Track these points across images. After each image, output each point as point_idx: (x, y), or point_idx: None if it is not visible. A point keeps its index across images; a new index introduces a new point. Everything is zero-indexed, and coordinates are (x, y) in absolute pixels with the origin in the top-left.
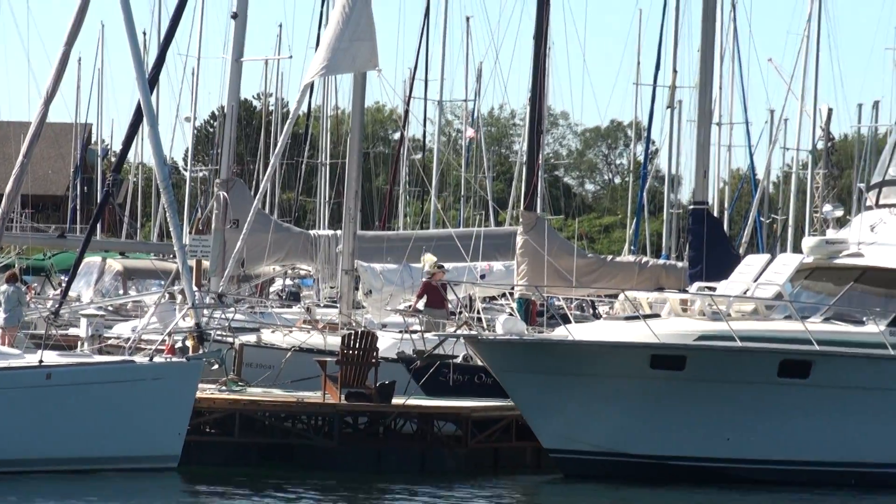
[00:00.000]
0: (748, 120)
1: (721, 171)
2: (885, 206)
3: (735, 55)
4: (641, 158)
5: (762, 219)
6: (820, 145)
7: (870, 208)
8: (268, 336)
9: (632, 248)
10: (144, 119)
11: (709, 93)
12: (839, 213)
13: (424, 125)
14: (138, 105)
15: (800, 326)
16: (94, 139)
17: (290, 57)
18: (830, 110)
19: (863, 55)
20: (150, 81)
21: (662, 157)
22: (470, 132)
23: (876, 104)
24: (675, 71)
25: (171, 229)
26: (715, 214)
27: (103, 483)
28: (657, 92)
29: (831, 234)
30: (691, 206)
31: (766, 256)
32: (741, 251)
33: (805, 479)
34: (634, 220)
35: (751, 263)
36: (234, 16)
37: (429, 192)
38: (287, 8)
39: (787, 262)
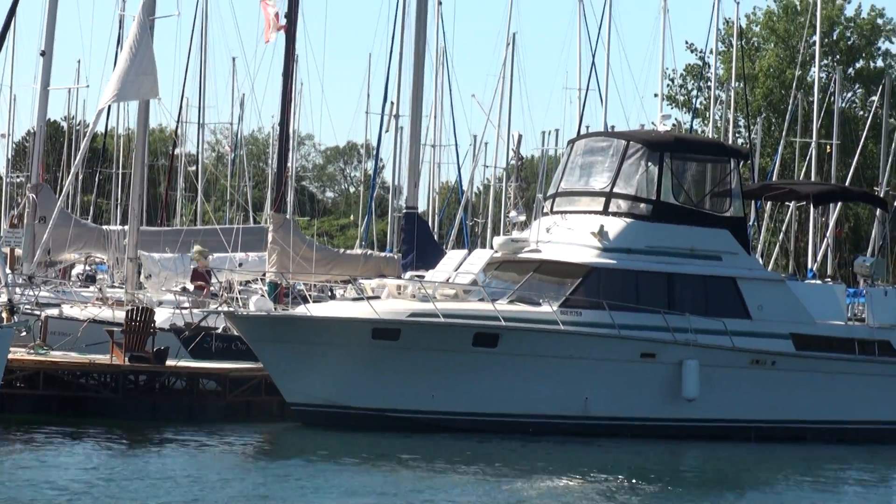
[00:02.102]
0: (457, 142)
1: (434, 183)
2: (557, 212)
3: (447, 90)
4: (371, 172)
5: (468, 222)
6: (512, 164)
7: (546, 214)
8: (68, 310)
9: (362, 243)
10: None
11: (418, 121)
12: (522, 217)
13: (199, 143)
14: None
15: (490, 307)
16: None
17: (88, 86)
18: (520, 136)
19: (547, 92)
20: None
21: (387, 171)
22: (227, 148)
23: (556, 132)
24: (392, 103)
25: None
26: (427, 217)
27: None
28: (384, 119)
29: (516, 234)
30: (405, 211)
31: (465, 251)
32: (450, 247)
33: (495, 427)
34: (364, 221)
35: (452, 257)
36: (42, 53)
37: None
38: (85, 46)
39: (480, 256)
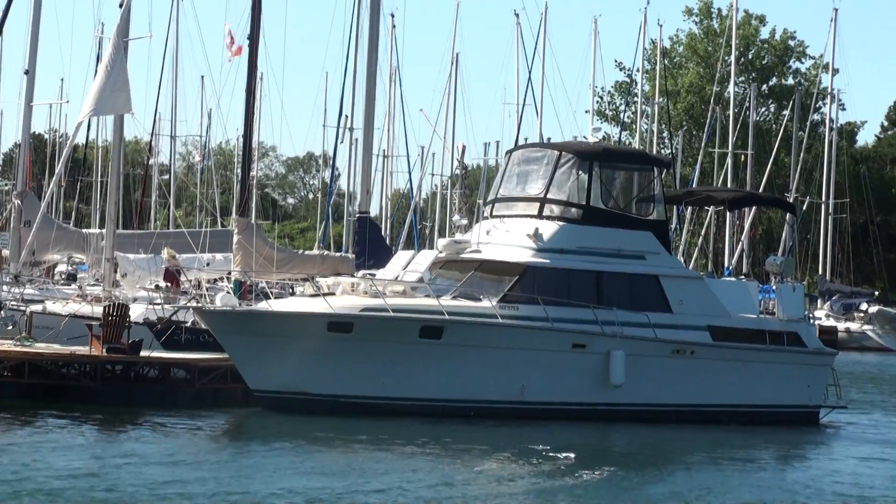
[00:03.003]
0: (408, 152)
1: (387, 190)
2: (497, 216)
3: (398, 105)
4: (328, 180)
5: (418, 225)
6: (456, 172)
7: (486, 218)
8: (51, 306)
9: (320, 245)
10: None
11: (370, 133)
12: (465, 221)
13: (171, 154)
14: None
15: (435, 302)
16: None
17: (68, 102)
18: (464, 147)
19: (488, 107)
20: None
21: (343, 179)
22: (198, 159)
23: (496, 143)
24: (346, 116)
25: None
26: (380, 221)
27: None
28: (339, 131)
29: (459, 236)
30: (358, 215)
31: (412, 252)
32: (402, 248)
33: (440, 412)
34: (322, 225)
35: (401, 257)
36: (27, 72)
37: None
38: (66, 65)
39: (426, 256)
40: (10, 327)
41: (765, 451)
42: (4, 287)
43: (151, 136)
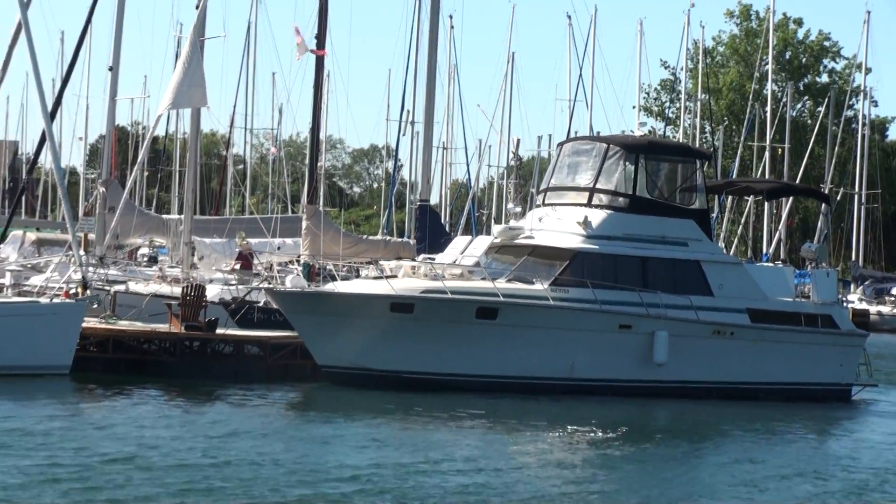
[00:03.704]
0: (466, 145)
1: (447, 180)
2: (549, 204)
3: (456, 100)
4: (391, 170)
5: (476, 212)
6: (511, 164)
7: (539, 206)
8: (133, 286)
9: (384, 230)
10: (47, 140)
11: (431, 126)
12: (519, 209)
13: (246, 147)
14: (42, 132)
15: (490, 285)
16: (19, 151)
17: (149, 96)
18: (518, 140)
19: (542, 102)
20: (52, 113)
21: (405, 170)
22: (273, 150)
23: (549, 136)
24: (408, 111)
25: (65, 213)
26: (440, 209)
27: (26, 382)
28: (401, 125)
29: (513, 223)
30: (419, 203)
31: (469, 237)
32: (461, 234)
33: (494, 387)
34: (386, 213)
35: (458, 242)
36: (111, 69)
37: (246, 190)
38: (146, 62)
39: (482, 242)
40: (96, 306)
41: (801, 425)
42: (90, 268)
43: (230, 129)
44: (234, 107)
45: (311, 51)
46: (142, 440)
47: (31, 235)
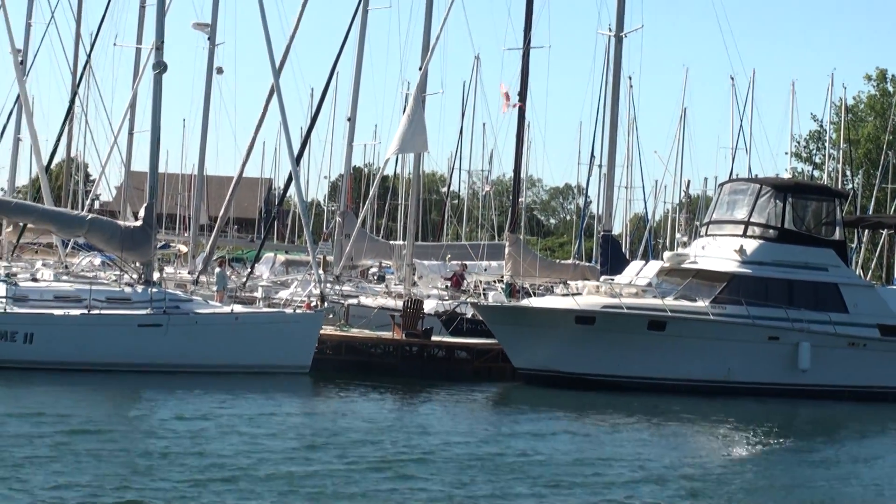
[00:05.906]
0: (644, 185)
1: (628, 214)
2: (710, 235)
3: (635, 147)
4: (581, 205)
5: (652, 242)
6: (682, 201)
7: (702, 236)
8: (364, 300)
9: (575, 256)
10: (293, 180)
11: (612, 169)
12: (685, 239)
13: (459, 184)
14: (290, 174)
15: (660, 302)
16: (273, 187)
17: (379, 143)
18: (689, 181)
19: (709, 148)
20: (298, 156)
21: (593, 205)
22: (487, 187)
23: (715, 178)
24: (595, 156)
25: (306, 238)
26: (621, 239)
27: (270, 378)
28: (591, 168)
29: (681, 250)
30: (602, 232)
31: (643, 262)
32: (638, 259)
33: (664, 388)
34: (577, 241)
35: (634, 266)
36: (349, 119)
37: (461, 222)
38: (377, 113)
39: (654, 266)
40: (332, 316)
41: None
42: (328, 285)
43: (450, 170)
44: (457, 151)
45: (515, 105)
46: (370, 427)
47: (281, 257)
